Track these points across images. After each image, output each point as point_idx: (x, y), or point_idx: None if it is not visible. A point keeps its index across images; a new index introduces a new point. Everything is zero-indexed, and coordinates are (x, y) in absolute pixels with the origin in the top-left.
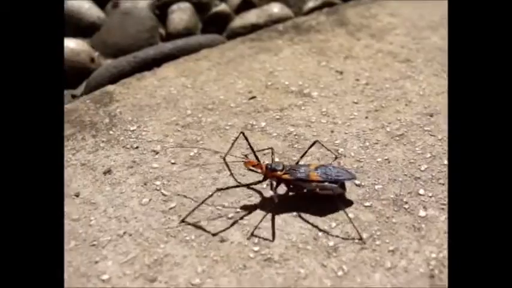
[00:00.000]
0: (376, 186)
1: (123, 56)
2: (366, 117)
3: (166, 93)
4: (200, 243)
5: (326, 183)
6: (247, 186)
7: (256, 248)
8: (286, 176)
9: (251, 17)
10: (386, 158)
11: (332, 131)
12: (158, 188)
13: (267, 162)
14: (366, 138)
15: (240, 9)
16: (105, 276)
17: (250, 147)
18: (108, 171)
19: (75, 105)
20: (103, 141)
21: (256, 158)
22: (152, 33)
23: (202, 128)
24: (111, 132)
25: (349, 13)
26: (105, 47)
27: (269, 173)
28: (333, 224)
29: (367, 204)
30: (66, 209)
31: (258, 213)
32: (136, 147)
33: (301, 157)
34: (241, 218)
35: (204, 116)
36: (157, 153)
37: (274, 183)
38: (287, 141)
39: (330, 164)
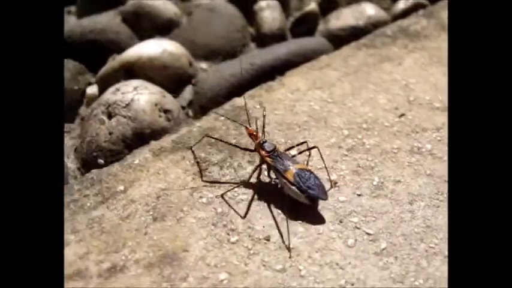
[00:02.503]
0: None
1: (229, 61)
2: None
3: (308, 108)
4: None
5: (294, 187)
6: (234, 145)
7: None
8: (268, 160)
9: (347, 18)
10: None
11: None
12: (358, 226)
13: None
14: None
15: (324, 9)
16: None
17: (263, 124)
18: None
19: (210, 122)
20: (265, 169)
21: (263, 132)
22: (243, 33)
23: (369, 152)
24: None
25: (444, 15)
26: (194, 48)
27: (259, 148)
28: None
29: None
30: (261, 257)
31: None
32: None
33: (288, 150)
34: None
35: (364, 137)
36: (335, 183)
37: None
38: None
39: (313, 173)
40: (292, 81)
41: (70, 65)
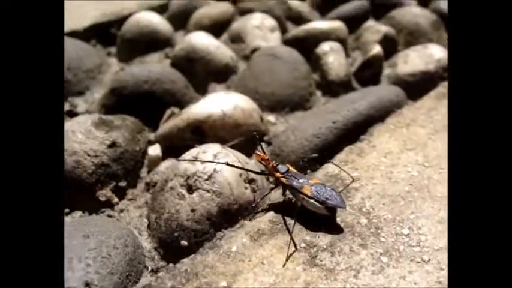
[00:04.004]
0: None
1: (297, 112)
2: None
3: (407, 175)
4: None
5: (312, 201)
6: (254, 172)
7: None
8: (283, 180)
9: (416, 62)
10: None
11: None
12: None
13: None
14: None
15: (385, 52)
16: None
17: (262, 148)
18: None
19: None
20: (381, 254)
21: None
22: (309, 80)
23: None
24: (382, 238)
25: None
26: (259, 98)
27: (272, 170)
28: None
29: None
30: None
31: None
32: (429, 260)
33: (305, 173)
34: None
35: None
36: None
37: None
38: None
39: (329, 186)
40: (382, 142)
41: (128, 122)
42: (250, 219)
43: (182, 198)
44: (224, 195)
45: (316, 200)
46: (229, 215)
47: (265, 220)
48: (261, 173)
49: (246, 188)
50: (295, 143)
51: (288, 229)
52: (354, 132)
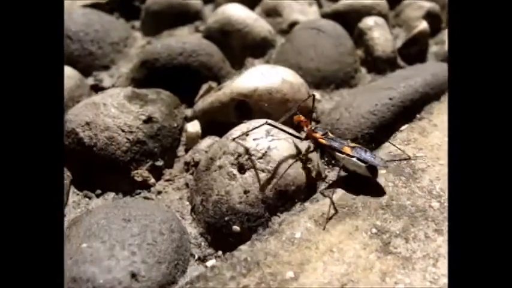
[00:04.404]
0: None
1: (343, 89)
2: None
3: None
4: None
5: (355, 159)
6: (290, 134)
7: None
8: (323, 141)
9: None
10: None
11: None
12: None
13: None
14: None
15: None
16: None
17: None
18: None
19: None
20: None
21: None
22: (354, 56)
23: None
24: None
25: None
26: (303, 74)
27: (311, 132)
28: None
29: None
30: None
31: None
32: None
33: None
34: None
35: None
36: None
37: (312, 145)
38: None
39: (369, 149)
40: (443, 121)
41: (164, 96)
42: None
43: (233, 179)
44: (280, 175)
45: (358, 159)
46: (286, 198)
47: (327, 202)
48: (298, 137)
49: (303, 168)
50: (351, 120)
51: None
52: (410, 110)
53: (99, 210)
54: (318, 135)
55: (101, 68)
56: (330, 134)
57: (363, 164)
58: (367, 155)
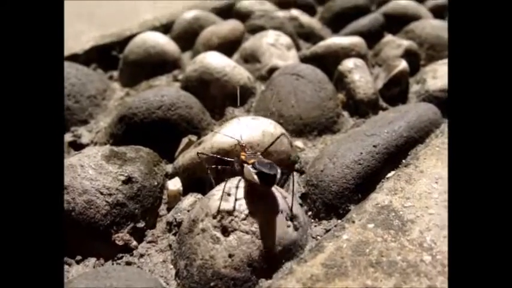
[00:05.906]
0: None
1: (326, 136)
2: None
3: None
4: None
5: (249, 167)
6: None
7: None
8: (242, 157)
9: (445, 77)
10: None
11: None
12: None
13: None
14: None
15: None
16: None
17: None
18: None
19: (358, 232)
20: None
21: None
22: (335, 101)
23: None
24: None
25: None
26: (284, 122)
27: (241, 155)
28: None
29: None
30: None
31: None
32: None
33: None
34: None
35: None
36: None
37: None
38: None
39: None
40: (429, 166)
41: (143, 153)
42: None
43: (217, 242)
44: (265, 236)
45: (252, 167)
46: (273, 259)
47: (317, 264)
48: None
49: (288, 226)
50: (335, 171)
51: None
52: (396, 156)
53: (79, 282)
54: (243, 154)
55: (79, 123)
56: (259, 156)
57: (253, 171)
58: (263, 165)
